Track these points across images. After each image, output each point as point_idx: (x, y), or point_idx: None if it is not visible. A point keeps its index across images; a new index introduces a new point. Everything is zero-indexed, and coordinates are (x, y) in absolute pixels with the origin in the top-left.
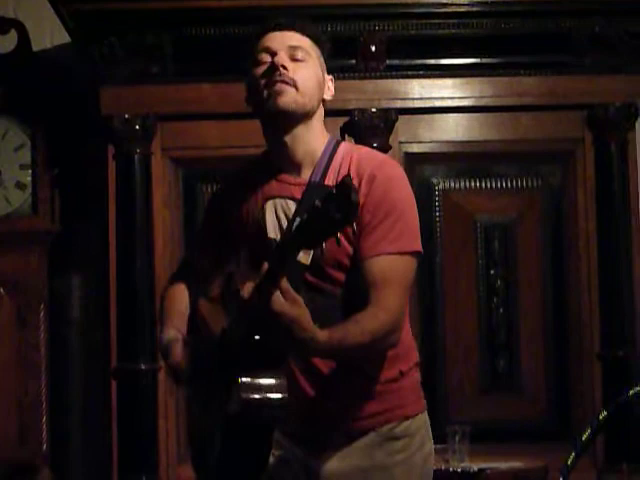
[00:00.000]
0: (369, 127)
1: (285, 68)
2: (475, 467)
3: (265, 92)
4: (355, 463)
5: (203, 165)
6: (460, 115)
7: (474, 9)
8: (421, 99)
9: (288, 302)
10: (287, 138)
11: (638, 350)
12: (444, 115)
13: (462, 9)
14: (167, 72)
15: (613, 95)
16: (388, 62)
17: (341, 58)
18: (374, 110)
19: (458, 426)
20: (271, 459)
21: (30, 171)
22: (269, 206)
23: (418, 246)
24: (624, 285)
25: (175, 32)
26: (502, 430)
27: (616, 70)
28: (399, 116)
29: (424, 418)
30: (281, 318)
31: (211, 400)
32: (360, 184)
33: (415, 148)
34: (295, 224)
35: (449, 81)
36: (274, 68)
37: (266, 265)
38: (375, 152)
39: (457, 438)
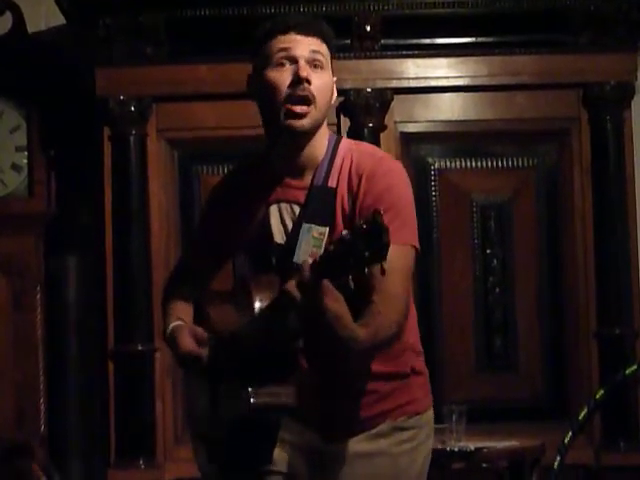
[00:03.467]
0: (364, 107)
1: (309, 82)
2: (472, 446)
3: (285, 107)
4: (362, 448)
5: (199, 146)
6: (455, 94)
7: None
8: (416, 79)
9: (331, 299)
10: (294, 146)
11: (634, 328)
12: (439, 95)
13: None
14: (162, 53)
15: (608, 74)
16: (383, 42)
17: (336, 38)
18: (369, 90)
19: (455, 405)
20: (280, 445)
21: (26, 153)
22: (273, 210)
23: (417, 242)
24: (620, 263)
25: (170, 13)
26: (499, 409)
27: (611, 49)
28: (394, 96)
29: (431, 414)
30: (326, 314)
31: (217, 397)
32: (360, 181)
33: (411, 128)
34: (320, 254)
35: (444, 60)
36: (298, 81)
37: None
38: (375, 148)
39: (454, 417)
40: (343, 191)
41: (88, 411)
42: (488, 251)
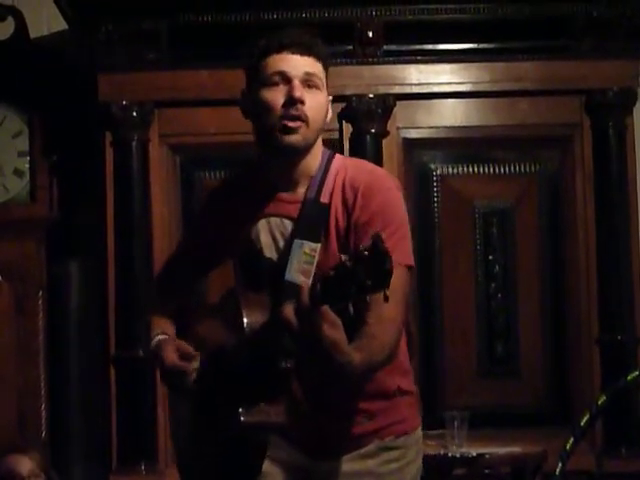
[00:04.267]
0: (367, 113)
1: (302, 102)
2: (474, 452)
3: (278, 124)
4: (349, 468)
5: (200, 151)
6: (458, 100)
7: None
8: (419, 84)
9: (329, 325)
10: (287, 162)
11: (636, 335)
12: (442, 100)
13: None
14: (164, 59)
15: (611, 80)
16: (385, 48)
17: (338, 44)
18: (372, 96)
19: (457, 411)
20: (269, 461)
21: (28, 158)
22: (263, 225)
23: (412, 261)
24: (622, 269)
25: (172, 19)
26: (501, 415)
27: (614, 55)
28: (397, 102)
29: (420, 433)
30: (323, 341)
31: (203, 414)
32: (356, 195)
33: (413, 134)
34: (320, 279)
35: (447, 66)
36: (292, 102)
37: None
38: (369, 164)
39: (456, 423)
40: (337, 205)
41: (90, 416)
42: (490, 257)
